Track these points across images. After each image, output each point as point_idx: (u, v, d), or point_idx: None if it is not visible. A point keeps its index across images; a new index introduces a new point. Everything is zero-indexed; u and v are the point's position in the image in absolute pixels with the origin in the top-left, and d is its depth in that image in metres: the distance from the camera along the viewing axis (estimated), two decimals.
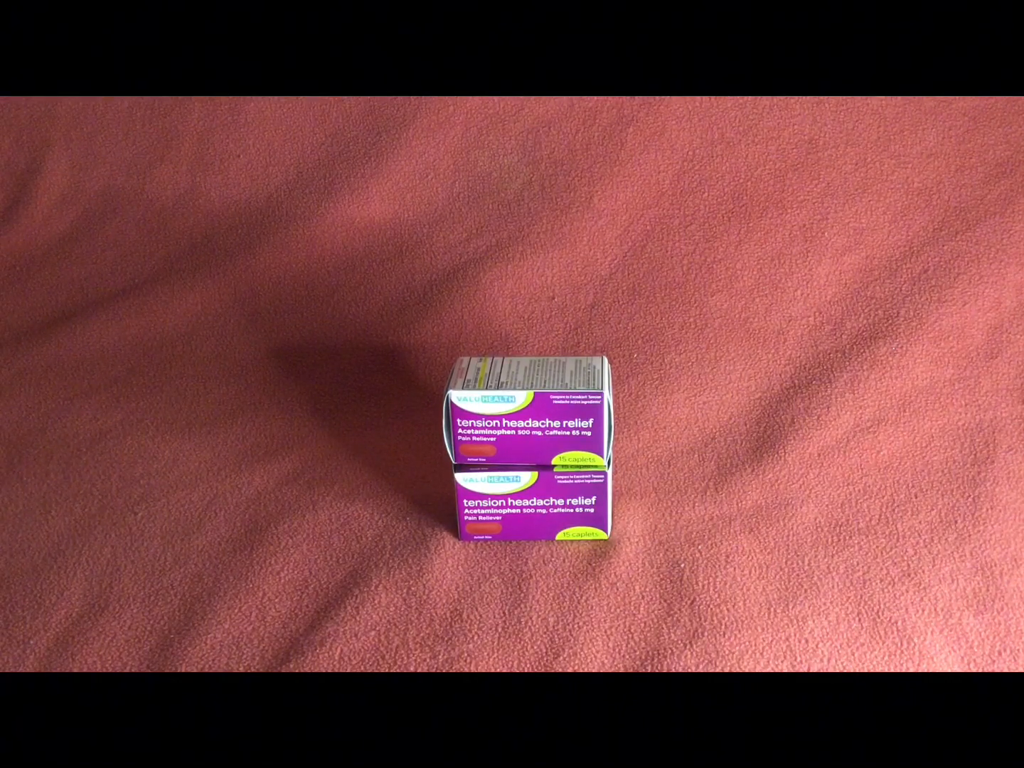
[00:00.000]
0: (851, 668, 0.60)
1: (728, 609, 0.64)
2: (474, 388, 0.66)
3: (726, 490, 0.74)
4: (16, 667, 0.61)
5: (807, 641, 0.62)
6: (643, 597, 0.65)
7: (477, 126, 0.97)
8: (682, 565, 0.68)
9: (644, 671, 0.61)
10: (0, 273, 0.98)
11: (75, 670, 0.60)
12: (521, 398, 0.65)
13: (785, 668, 0.60)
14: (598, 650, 0.62)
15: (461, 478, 0.68)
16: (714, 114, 0.95)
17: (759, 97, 0.94)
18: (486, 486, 0.68)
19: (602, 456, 0.67)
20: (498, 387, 0.66)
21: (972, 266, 0.88)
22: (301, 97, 0.99)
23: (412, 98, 0.97)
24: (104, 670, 0.60)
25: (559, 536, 0.70)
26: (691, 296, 0.89)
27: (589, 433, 0.66)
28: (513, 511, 0.69)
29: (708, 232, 0.92)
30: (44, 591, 0.66)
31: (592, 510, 0.69)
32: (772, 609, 0.64)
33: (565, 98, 0.96)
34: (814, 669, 0.60)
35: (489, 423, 0.66)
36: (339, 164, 0.98)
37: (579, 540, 0.70)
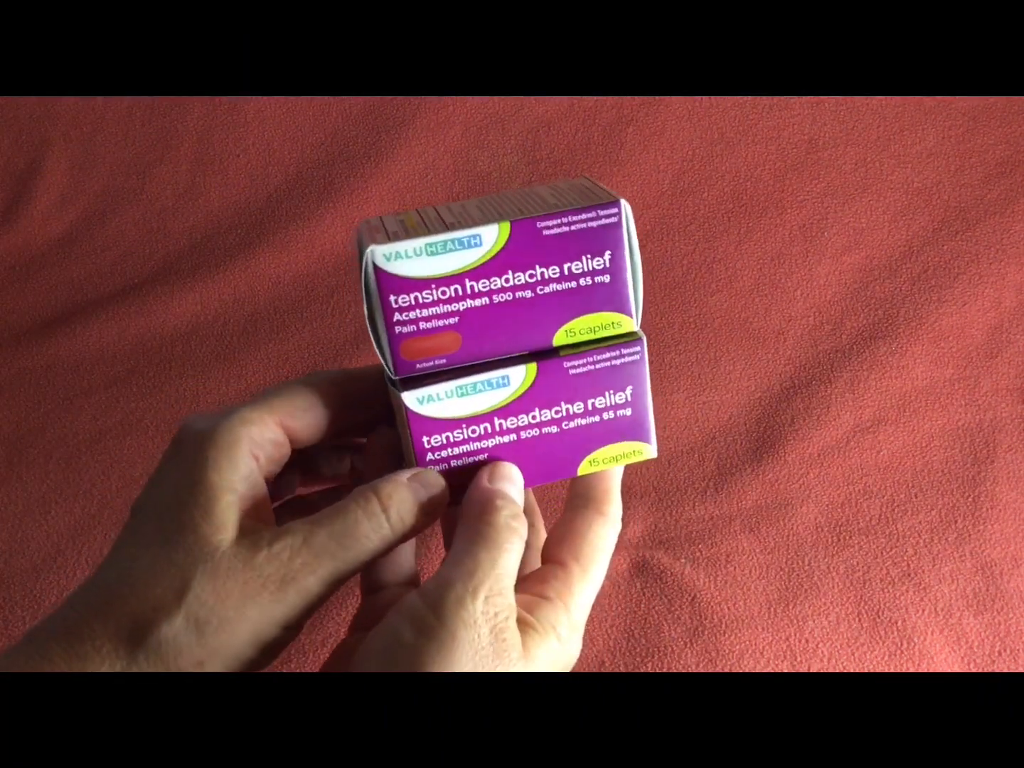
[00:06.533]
0: (851, 668, 0.60)
1: (728, 608, 0.64)
2: (408, 237, 0.39)
3: (726, 490, 0.74)
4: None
5: (807, 641, 0.62)
6: (643, 595, 0.65)
7: (477, 126, 0.97)
8: (682, 564, 0.68)
9: (644, 670, 0.61)
10: (0, 273, 0.98)
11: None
12: (490, 237, 0.39)
13: (785, 668, 0.60)
14: (598, 649, 0.62)
15: (410, 399, 0.40)
16: (714, 114, 0.95)
17: (759, 97, 0.94)
18: (455, 405, 0.40)
19: (630, 315, 0.41)
20: (447, 229, 0.39)
21: (972, 266, 0.88)
22: (301, 97, 0.99)
23: (412, 98, 0.97)
24: None
25: (586, 462, 0.43)
26: (691, 296, 0.89)
27: (607, 278, 0.41)
28: (506, 440, 0.42)
29: (708, 232, 0.92)
30: (44, 591, 0.66)
31: (628, 412, 0.42)
32: (772, 609, 0.64)
33: (565, 98, 0.96)
34: (814, 669, 0.60)
35: (443, 292, 0.39)
36: (339, 164, 0.98)
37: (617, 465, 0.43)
